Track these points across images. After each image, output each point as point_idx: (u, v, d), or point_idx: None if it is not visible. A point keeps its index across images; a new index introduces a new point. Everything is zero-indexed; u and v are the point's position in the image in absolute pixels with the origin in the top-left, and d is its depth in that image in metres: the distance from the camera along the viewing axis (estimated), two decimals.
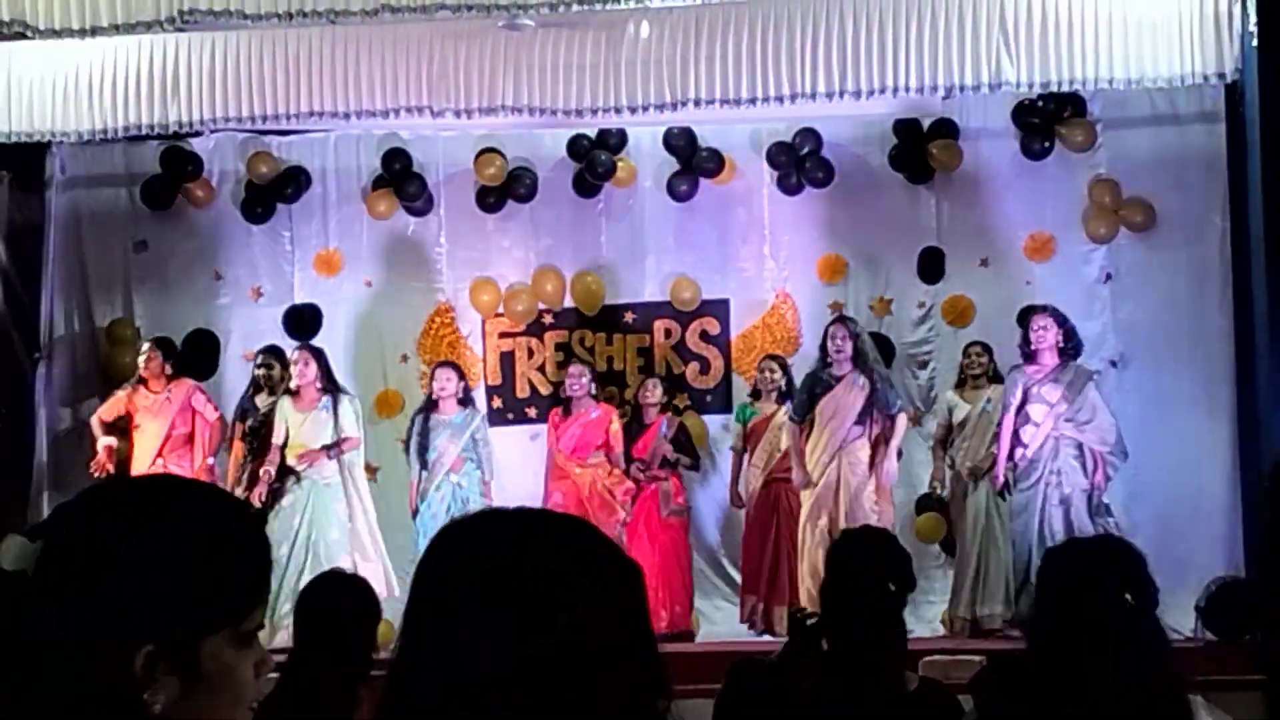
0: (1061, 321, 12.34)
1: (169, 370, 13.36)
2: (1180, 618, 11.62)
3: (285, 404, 12.94)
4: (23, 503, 14.22)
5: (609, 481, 13.10)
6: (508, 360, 14.65)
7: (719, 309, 14.49)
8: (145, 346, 13.48)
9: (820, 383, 12.46)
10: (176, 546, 2.09)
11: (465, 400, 13.23)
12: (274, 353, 13.42)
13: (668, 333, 14.53)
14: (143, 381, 13.36)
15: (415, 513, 12.91)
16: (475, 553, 1.96)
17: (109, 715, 2.03)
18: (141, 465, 13.15)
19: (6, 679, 2.06)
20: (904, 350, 14.05)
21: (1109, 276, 13.80)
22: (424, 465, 12.98)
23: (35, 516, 14.11)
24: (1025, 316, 12.63)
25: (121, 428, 13.45)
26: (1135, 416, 13.44)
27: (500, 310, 14.59)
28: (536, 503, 12.56)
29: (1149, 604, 4.06)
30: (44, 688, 2.05)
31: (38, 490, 14.31)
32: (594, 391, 13.43)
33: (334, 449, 12.85)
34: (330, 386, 13.00)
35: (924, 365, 14.11)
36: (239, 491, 12.76)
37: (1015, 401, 12.26)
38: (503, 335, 14.68)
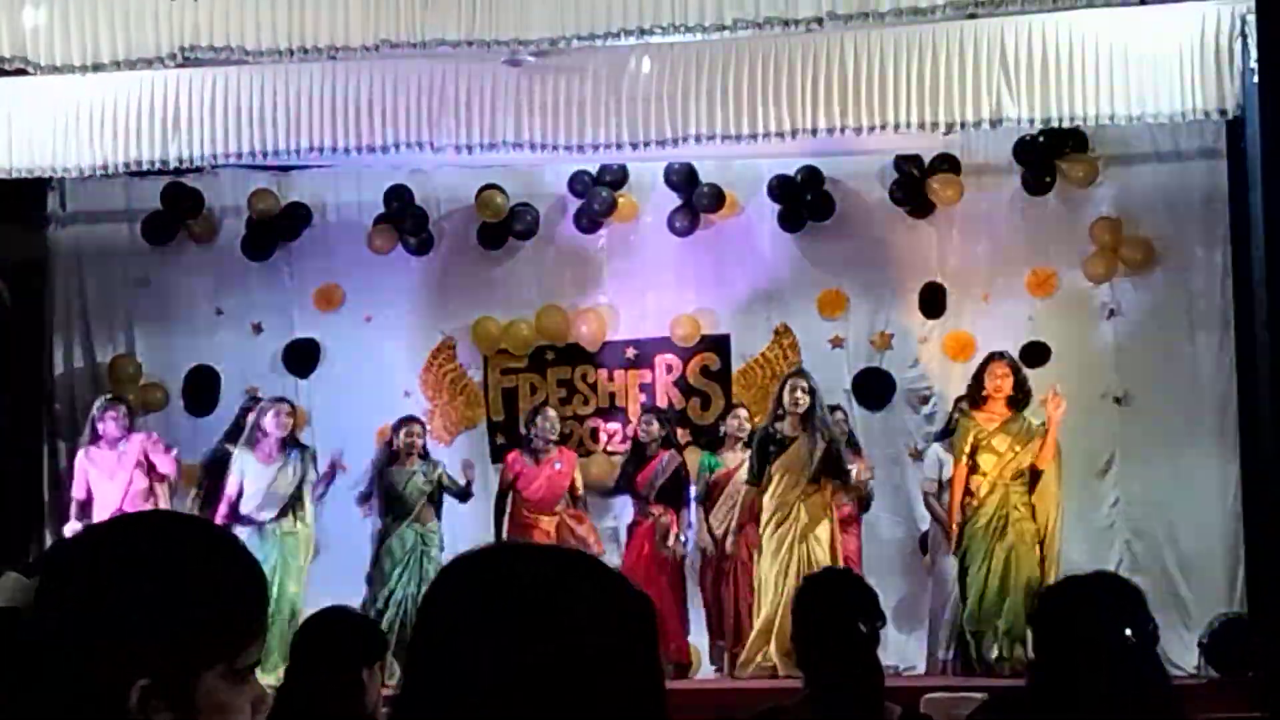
0: (1016, 370, 12.23)
1: (129, 427, 13.19)
2: (1183, 654, 11.64)
3: (245, 455, 12.79)
4: (25, 539, 14.22)
5: (580, 530, 13.06)
6: (510, 396, 14.63)
7: (720, 344, 14.48)
8: (103, 405, 13.14)
9: (774, 441, 12.21)
10: (172, 582, 2.09)
11: (424, 454, 13.16)
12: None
13: (669, 368, 14.52)
14: (94, 440, 13.11)
15: (375, 560, 12.85)
16: (483, 586, 1.94)
17: None
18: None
19: (3, 714, 2.05)
20: (904, 385, 14.04)
21: (1111, 313, 13.79)
22: (390, 514, 12.88)
23: (38, 553, 14.12)
24: (986, 361, 12.44)
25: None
26: (1137, 453, 13.44)
27: (503, 346, 14.59)
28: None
29: (1149, 640, 4.05)
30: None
31: (40, 527, 14.30)
32: (554, 438, 13.38)
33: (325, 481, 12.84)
34: (294, 441, 12.95)
35: (925, 400, 14.08)
36: None
37: (967, 450, 12.15)
38: (505, 371, 14.67)
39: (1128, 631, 3.98)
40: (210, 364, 14.65)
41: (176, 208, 14.67)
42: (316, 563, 12.82)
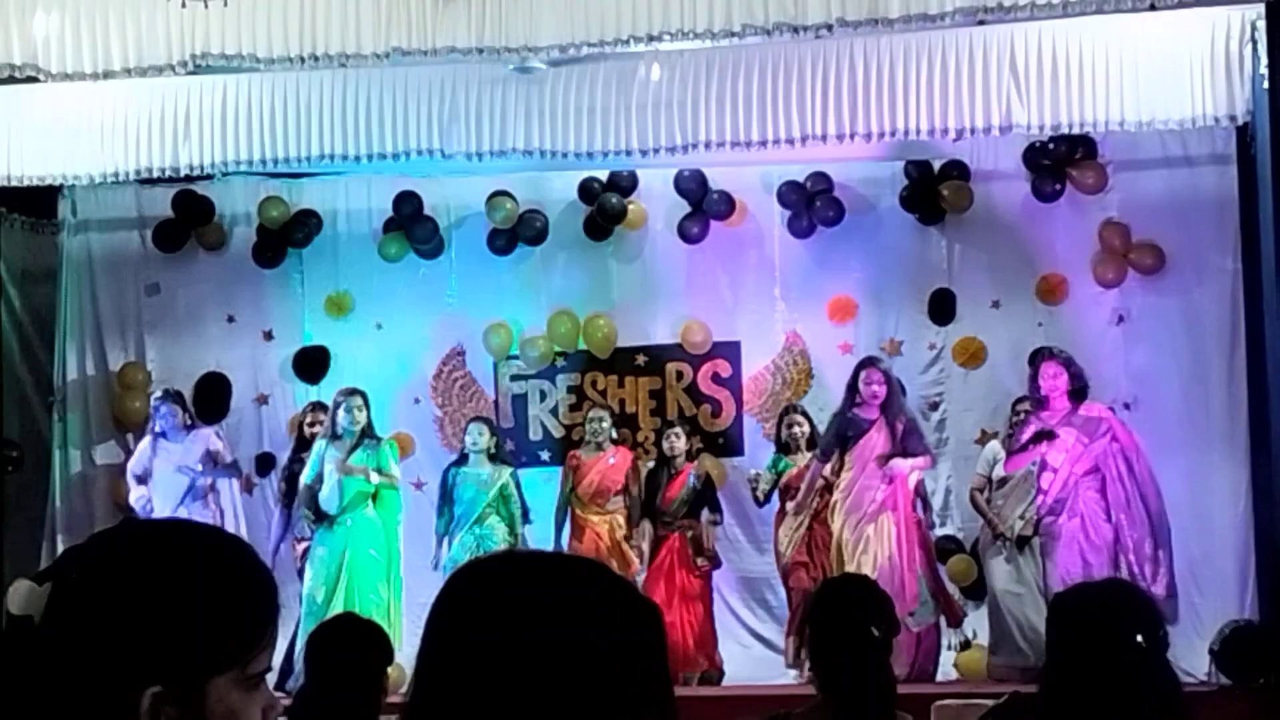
0: (1069, 364, 12.26)
1: (188, 423, 13.32)
2: (1194, 661, 11.62)
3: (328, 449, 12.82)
4: (36, 547, 14.24)
5: (627, 534, 13.10)
6: (520, 403, 14.64)
7: (730, 351, 14.48)
8: (157, 400, 13.37)
9: (851, 424, 12.41)
10: (182, 588, 2.09)
11: (496, 456, 13.21)
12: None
13: (679, 375, 14.53)
14: (161, 434, 13.32)
15: (437, 564, 12.88)
16: (490, 594, 1.95)
17: None
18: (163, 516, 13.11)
19: None
20: (915, 392, 13.99)
21: (1121, 319, 13.78)
22: (450, 518, 13.00)
23: (49, 560, 14.10)
24: (1035, 360, 12.51)
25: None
26: (1147, 460, 13.42)
27: (513, 353, 14.60)
28: (550, 547, 12.59)
29: (1160, 647, 4.05)
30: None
31: (51, 534, 14.31)
32: (613, 436, 13.45)
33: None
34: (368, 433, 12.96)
35: (934, 407, 14.07)
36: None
37: (1019, 442, 12.20)
38: (514, 378, 14.68)
39: (1139, 638, 3.99)
40: (221, 371, 14.66)
41: (187, 215, 14.69)
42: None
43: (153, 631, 2.06)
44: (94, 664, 2.04)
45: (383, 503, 12.69)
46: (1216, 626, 12.18)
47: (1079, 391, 12.19)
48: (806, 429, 13.00)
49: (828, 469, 12.50)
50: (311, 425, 13.21)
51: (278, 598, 2.22)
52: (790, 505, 12.86)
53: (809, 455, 12.83)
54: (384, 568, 12.59)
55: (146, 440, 13.41)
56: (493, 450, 13.18)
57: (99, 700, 2.04)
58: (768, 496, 13.16)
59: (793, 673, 12.62)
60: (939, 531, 13.63)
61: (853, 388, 12.46)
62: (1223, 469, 13.29)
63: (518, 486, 13.16)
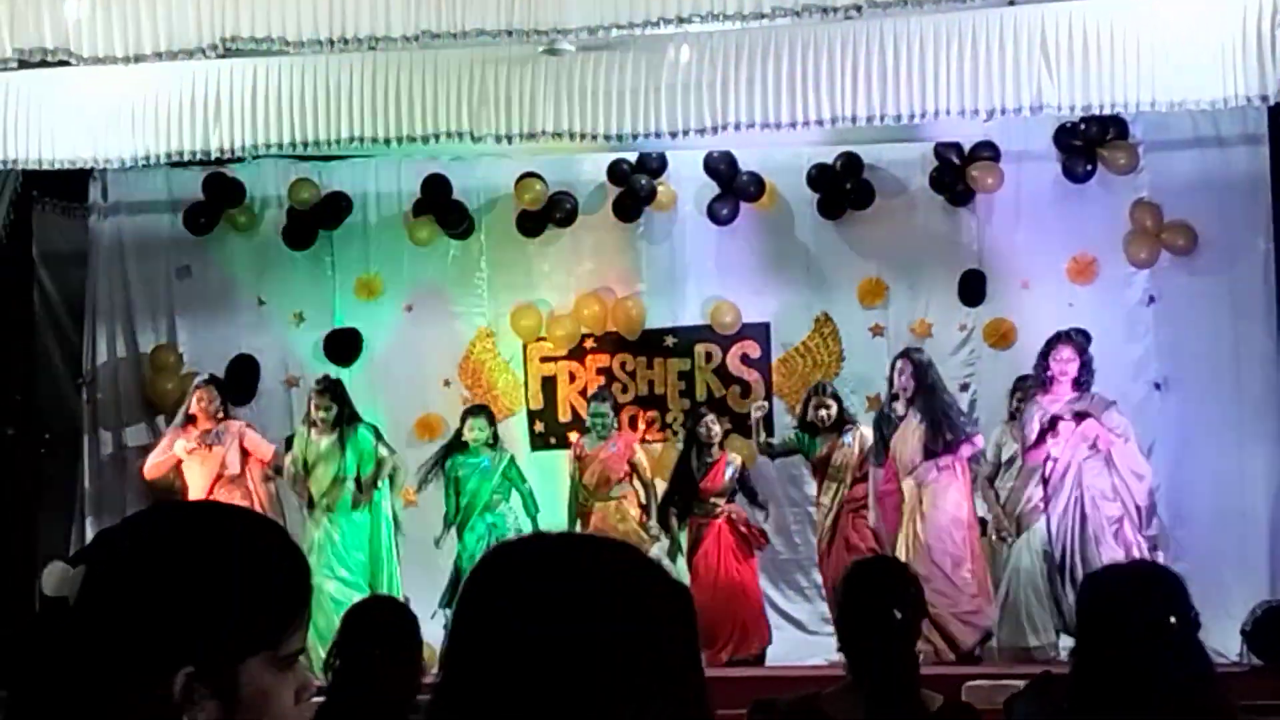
0: (1083, 352, 12.23)
1: (221, 412, 13.37)
2: (1225, 642, 11.59)
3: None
4: (66, 529, 14.30)
5: (636, 523, 13.13)
6: (549, 385, 14.66)
7: (759, 332, 14.48)
8: (198, 387, 13.42)
9: (888, 422, 12.51)
10: (214, 569, 2.11)
11: (493, 444, 13.28)
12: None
13: (708, 356, 14.53)
14: (191, 420, 13.36)
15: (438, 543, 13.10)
16: (520, 576, 1.96)
17: None
18: (195, 497, 13.15)
19: (49, 704, 2.08)
20: (945, 374, 13.95)
21: (1152, 299, 13.75)
22: (456, 508, 13.12)
23: (79, 542, 14.19)
24: (1053, 341, 12.47)
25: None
26: (1178, 440, 13.42)
27: (542, 335, 14.61)
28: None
29: (1191, 628, 4.05)
30: (86, 712, 2.06)
31: (81, 516, 14.38)
32: (614, 424, 13.47)
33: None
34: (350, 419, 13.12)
35: (965, 388, 14.04)
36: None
37: (1033, 436, 12.17)
38: (544, 360, 14.70)
39: (1171, 619, 3.99)
40: (251, 353, 14.70)
41: (218, 198, 14.73)
42: None
43: (186, 613, 2.08)
44: (128, 645, 2.06)
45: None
46: (1248, 607, 12.16)
47: (1085, 382, 12.16)
48: (834, 410, 12.98)
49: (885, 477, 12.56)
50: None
51: (310, 579, 2.24)
52: (817, 495, 12.94)
53: (835, 435, 12.85)
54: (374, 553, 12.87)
55: (167, 436, 13.49)
56: (491, 441, 13.23)
57: (132, 681, 2.05)
58: (773, 452, 13.22)
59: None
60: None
61: (890, 380, 12.57)
62: (1254, 449, 13.27)
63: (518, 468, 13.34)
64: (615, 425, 13.50)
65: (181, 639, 2.06)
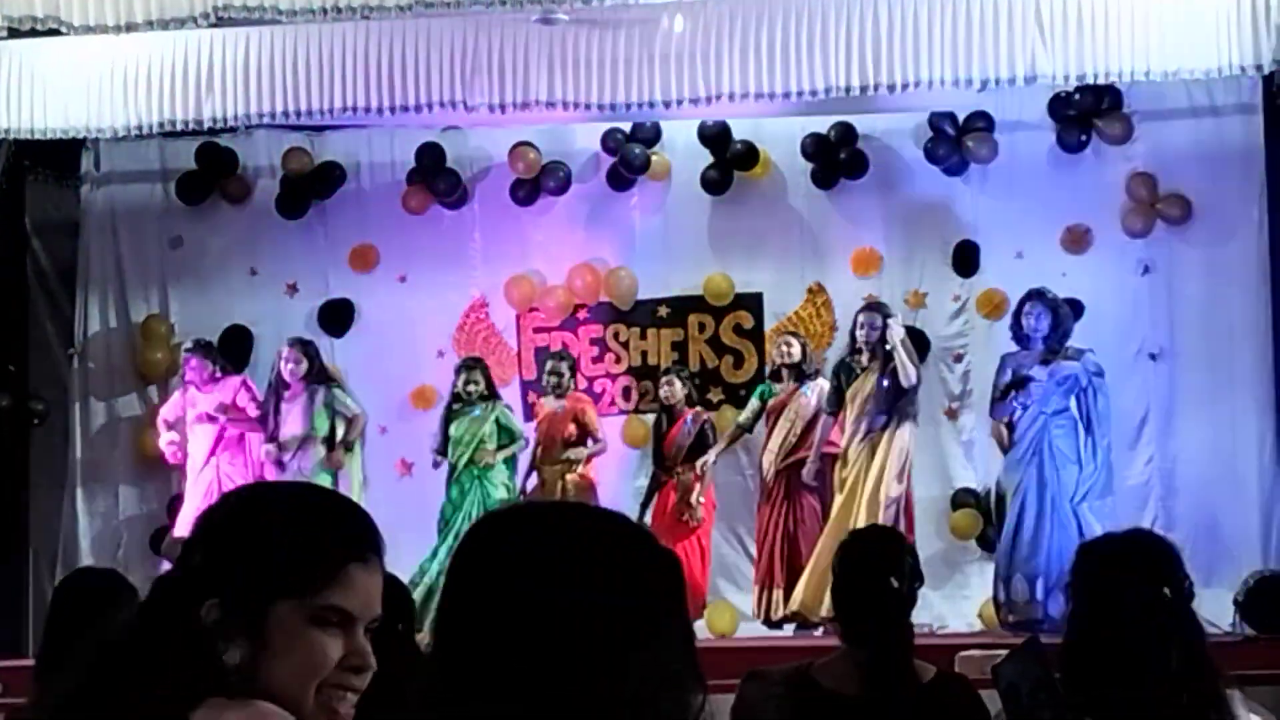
0: (1056, 308, 12.22)
1: (217, 374, 13.37)
2: (1218, 611, 11.61)
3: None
4: (58, 498, 14.31)
5: (580, 478, 13.19)
6: (543, 355, 14.64)
7: (753, 303, 14.46)
8: (187, 352, 13.49)
9: (847, 370, 12.52)
10: (249, 514, 2.30)
11: (488, 395, 13.31)
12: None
13: (701, 327, 14.51)
14: (190, 384, 13.41)
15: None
16: (508, 544, 1.96)
17: (185, 658, 2.17)
18: (196, 465, 13.21)
19: (88, 631, 2.27)
20: (939, 344, 14.00)
21: (1146, 269, 13.74)
22: (450, 458, 13.13)
23: (71, 511, 14.21)
24: (1023, 300, 12.47)
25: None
26: (1172, 410, 13.44)
27: (535, 305, 14.60)
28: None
29: (1184, 598, 4.05)
30: (125, 636, 2.21)
31: (72, 486, 14.38)
32: (571, 384, 13.49)
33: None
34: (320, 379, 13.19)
35: (959, 359, 14.05)
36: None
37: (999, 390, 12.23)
38: (537, 330, 14.68)
39: (1166, 591, 3.99)
40: (244, 324, 14.67)
41: (210, 168, 14.70)
42: None
43: (215, 549, 2.24)
44: (161, 582, 2.23)
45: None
46: (1240, 577, 12.18)
47: (1060, 337, 12.14)
48: (796, 351, 12.97)
49: (835, 431, 12.55)
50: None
51: (370, 544, 2.35)
52: (766, 441, 12.94)
53: (794, 384, 12.85)
54: None
55: (179, 390, 13.57)
56: (485, 393, 13.26)
57: (166, 610, 2.19)
58: (750, 426, 13.19)
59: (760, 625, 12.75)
60: (959, 484, 13.65)
61: (852, 335, 12.60)
62: (1247, 419, 13.29)
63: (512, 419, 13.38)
64: (571, 386, 13.50)
65: (209, 572, 2.21)
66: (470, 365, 13.44)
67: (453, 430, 13.10)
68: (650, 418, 14.04)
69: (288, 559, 2.23)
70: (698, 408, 13.38)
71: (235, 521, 2.28)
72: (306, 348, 13.21)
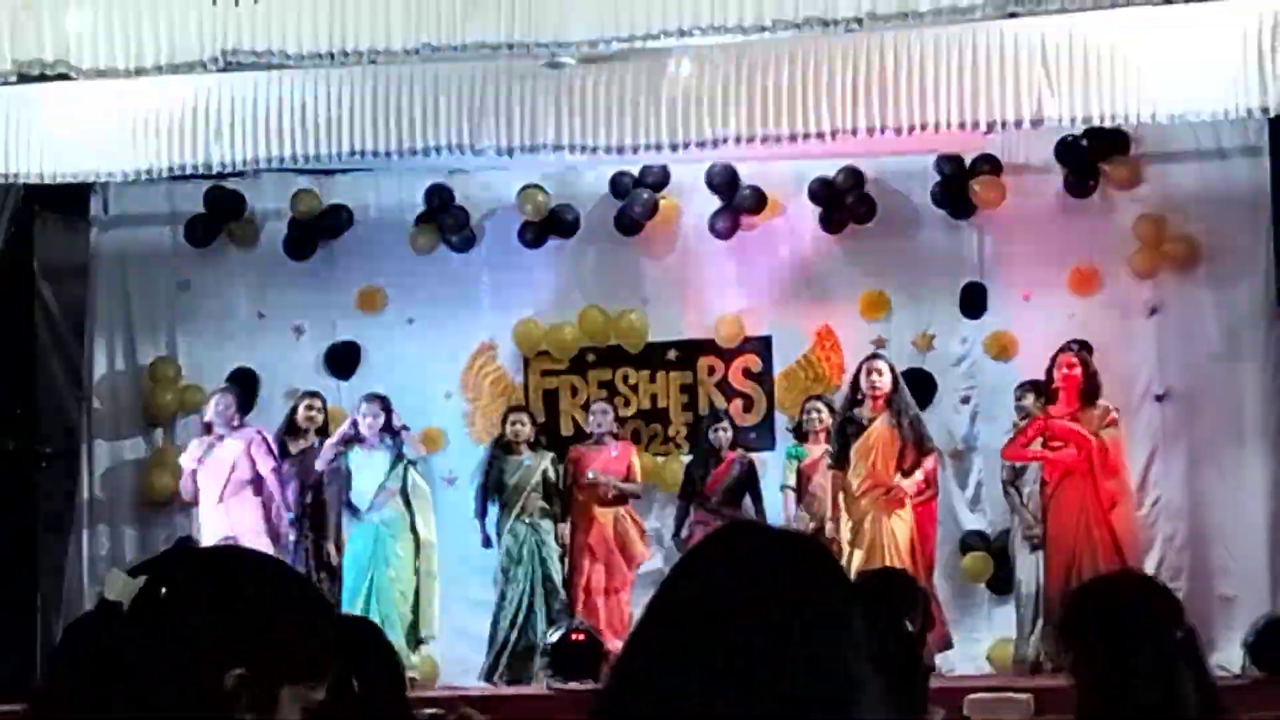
0: (1086, 363, 12.29)
1: (235, 421, 13.41)
2: (1228, 655, 11.59)
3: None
4: (64, 540, 14.30)
5: (632, 527, 13.31)
6: (551, 398, 14.65)
7: (761, 346, 14.47)
8: (215, 394, 13.60)
9: (853, 423, 12.48)
10: (257, 616, 2.29)
11: (535, 444, 13.46)
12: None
13: (710, 370, 14.52)
14: (207, 427, 13.43)
15: (487, 542, 13.31)
16: (731, 559, 2.13)
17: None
18: (207, 507, 13.23)
19: (110, 693, 2.21)
20: (946, 386, 14.00)
21: (1154, 311, 13.74)
22: (501, 504, 13.26)
23: (78, 554, 14.19)
24: (1059, 351, 12.55)
25: None
26: (1179, 452, 13.41)
27: (543, 347, 14.60)
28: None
29: (1195, 639, 4.04)
30: (147, 696, 2.20)
31: (79, 528, 14.37)
32: (615, 430, 13.58)
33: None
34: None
35: (965, 401, 14.04)
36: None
37: (1022, 438, 12.30)
38: (546, 373, 14.69)
39: (1178, 632, 3.97)
40: (251, 366, 14.68)
41: (218, 211, 14.72)
42: None
43: (241, 628, 2.26)
44: (186, 647, 2.22)
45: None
46: (1249, 619, 12.16)
47: (1089, 393, 12.21)
48: (826, 418, 13.01)
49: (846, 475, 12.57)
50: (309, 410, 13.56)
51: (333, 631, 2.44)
52: (800, 507, 12.98)
53: (824, 447, 12.87)
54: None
55: (198, 437, 13.67)
56: (532, 439, 13.35)
57: (189, 676, 2.20)
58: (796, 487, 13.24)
59: None
60: (968, 526, 13.65)
61: (854, 385, 12.53)
62: (1255, 462, 13.29)
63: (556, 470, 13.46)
64: (615, 431, 13.68)
65: (234, 649, 2.22)
66: (516, 409, 13.58)
67: (506, 478, 13.22)
68: (660, 460, 14.08)
69: (306, 649, 2.31)
70: (740, 449, 13.43)
71: (263, 600, 2.31)
72: (384, 402, 13.36)
